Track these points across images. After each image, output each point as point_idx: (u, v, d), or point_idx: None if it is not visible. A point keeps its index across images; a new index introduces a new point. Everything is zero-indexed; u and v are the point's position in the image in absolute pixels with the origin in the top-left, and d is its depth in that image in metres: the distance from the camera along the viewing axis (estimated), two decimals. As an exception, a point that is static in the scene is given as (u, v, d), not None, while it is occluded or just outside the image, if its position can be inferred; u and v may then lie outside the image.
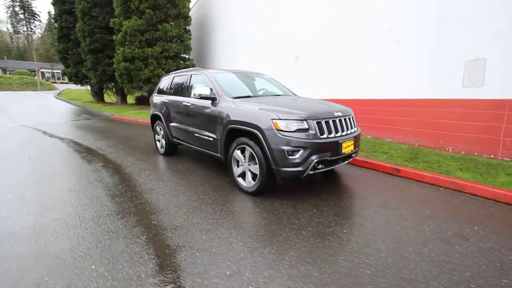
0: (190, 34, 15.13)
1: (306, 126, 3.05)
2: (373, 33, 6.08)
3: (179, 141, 5.04)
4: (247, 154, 3.36)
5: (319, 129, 3.10)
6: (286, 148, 2.99)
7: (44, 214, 2.90)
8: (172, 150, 5.52)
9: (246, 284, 1.86)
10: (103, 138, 7.83)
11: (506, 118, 4.18)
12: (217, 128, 3.81)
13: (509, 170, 3.89)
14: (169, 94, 5.24)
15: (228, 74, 4.49)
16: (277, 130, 3.02)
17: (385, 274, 1.95)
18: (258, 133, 3.13)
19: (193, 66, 15.34)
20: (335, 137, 3.22)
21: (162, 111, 5.26)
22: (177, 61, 14.66)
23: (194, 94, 4.01)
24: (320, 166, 3.18)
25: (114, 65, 14.58)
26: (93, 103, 19.86)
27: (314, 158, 3.07)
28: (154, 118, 5.78)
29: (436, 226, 2.62)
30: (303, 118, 3.06)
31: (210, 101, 3.98)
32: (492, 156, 4.39)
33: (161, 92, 5.64)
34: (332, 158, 3.22)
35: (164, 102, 5.23)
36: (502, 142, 4.24)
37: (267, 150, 3.07)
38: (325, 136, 3.14)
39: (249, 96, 3.99)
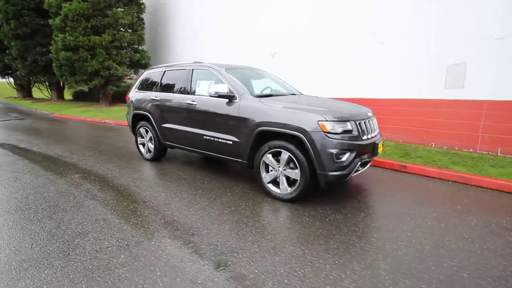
0: (143, 23, 13.69)
1: (350, 128, 2.94)
2: (359, 35, 6.33)
3: (174, 145, 4.43)
4: (283, 158, 3.10)
5: (360, 130, 3.03)
6: (334, 151, 2.83)
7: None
8: (161, 155, 4.85)
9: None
10: (56, 142, 6.52)
11: (484, 116, 4.79)
12: (239, 130, 3.42)
13: (491, 162, 4.46)
14: (160, 91, 4.55)
15: (236, 69, 4.09)
16: (324, 132, 2.84)
17: (480, 273, 1.96)
18: (302, 136, 2.89)
19: (149, 58, 13.98)
20: (372, 137, 3.19)
21: (151, 111, 4.55)
22: (130, 53, 13.14)
23: (210, 92, 3.51)
24: (360, 168, 3.12)
25: (51, 55, 12.32)
26: (19, 99, 16.53)
27: (358, 160, 2.99)
28: (137, 118, 4.97)
29: (477, 220, 2.80)
30: (347, 119, 2.94)
31: (226, 100, 3.56)
32: (471, 150, 4.99)
33: (145, 88, 4.88)
34: (369, 159, 3.20)
35: (154, 100, 4.52)
36: (481, 137, 4.85)
37: (312, 153, 2.86)
38: (365, 137, 3.08)
39: (271, 95, 3.69)
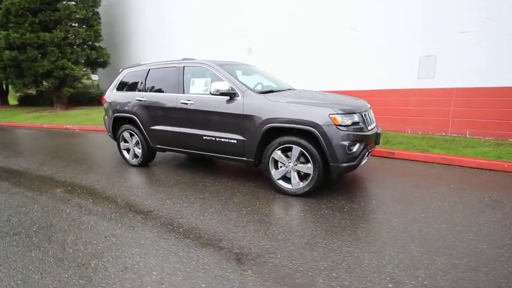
0: (99, 18, 12.58)
1: (357, 120, 3.03)
2: (335, 30, 6.54)
3: (166, 148, 4.17)
4: (294, 153, 3.09)
5: (365, 122, 3.14)
6: (346, 143, 2.90)
7: None
8: (149, 159, 4.54)
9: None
10: (17, 153, 5.77)
11: (453, 103, 5.30)
12: (244, 128, 3.32)
13: (463, 144, 4.97)
14: (146, 91, 4.22)
15: (230, 66, 3.95)
16: (336, 125, 2.89)
17: (495, 243, 2.17)
18: (315, 130, 2.90)
19: (108, 56, 12.93)
20: (373, 128, 3.33)
21: (137, 112, 4.21)
22: (87, 50, 12.02)
23: (211, 91, 3.34)
24: (366, 158, 3.25)
25: (-9, 54, 10.72)
26: None
27: (365, 150, 3.11)
28: (119, 121, 4.57)
29: (472, 196, 3.10)
30: (354, 112, 3.03)
31: (226, 98, 3.43)
32: (443, 134, 5.50)
33: (126, 88, 4.49)
34: (372, 148, 3.35)
35: (140, 100, 4.19)
36: (451, 122, 5.37)
37: (325, 147, 2.89)
38: (370, 128, 3.21)
39: (272, 91, 3.64)
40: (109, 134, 4.84)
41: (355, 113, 3.03)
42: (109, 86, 4.82)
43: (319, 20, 6.81)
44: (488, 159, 4.05)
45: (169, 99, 3.91)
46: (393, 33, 5.80)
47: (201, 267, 2.00)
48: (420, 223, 2.55)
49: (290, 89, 4.15)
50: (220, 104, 3.48)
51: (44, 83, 10.89)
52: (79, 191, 3.58)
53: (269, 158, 3.24)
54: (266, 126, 3.15)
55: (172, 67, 4.02)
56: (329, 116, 2.89)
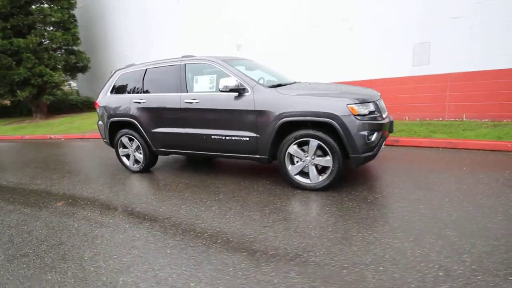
0: (76, 21, 11.97)
1: (373, 108, 2.99)
2: (327, 21, 6.51)
3: (170, 151, 3.98)
4: (311, 147, 3.00)
5: (379, 110, 3.10)
6: (365, 133, 2.85)
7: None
8: (152, 164, 4.32)
9: None
10: (2, 168, 5.36)
11: (449, 88, 5.41)
12: (257, 124, 3.20)
13: (462, 127, 5.08)
14: (144, 92, 4.00)
15: (235, 61, 3.79)
16: (354, 115, 2.83)
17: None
18: (333, 121, 2.83)
19: (88, 60, 12.35)
20: (386, 116, 3.31)
21: (137, 115, 3.98)
22: (65, 55, 11.41)
23: (221, 87, 3.17)
24: (383, 147, 3.22)
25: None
26: None
27: (382, 139, 3.08)
28: (116, 126, 4.31)
29: (487, 177, 3.14)
30: (369, 101, 2.98)
31: (235, 94, 3.29)
32: (441, 119, 5.62)
33: (122, 90, 4.24)
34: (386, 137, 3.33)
35: (138, 103, 3.96)
36: (448, 107, 5.48)
37: (344, 138, 2.83)
38: (384, 116, 3.18)
39: (280, 85, 3.53)
40: (105, 140, 4.57)
41: (370, 102, 2.98)
42: (101, 90, 4.54)
43: (310, 11, 6.76)
44: (491, 140, 4.16)
45: (171, 99, 3.71)
46: (387, 21, 5.84)
47: (240, 273, 1.88)
48: (447, 207, 2.54)
49: (297, 82, 4.06)
50: (228, 101, 3.34)
51: (19, 92, 10.20)
52: (82, 203, 3.34)
53: (285, 153, 3.14)
54: (281, 120, 3.04)
55: (171, 65, 3.82)
56: (347, 107, 2.83)
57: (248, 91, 3.25)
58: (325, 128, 2.96)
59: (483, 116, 5.17)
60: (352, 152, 2.88)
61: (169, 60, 3.91)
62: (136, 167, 4.33)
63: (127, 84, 4.22)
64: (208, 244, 2.25)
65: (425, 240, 2.09)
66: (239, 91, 3.25)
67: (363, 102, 2.91)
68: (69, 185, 4.02)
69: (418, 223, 2.32)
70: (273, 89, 3.22)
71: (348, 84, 4.62)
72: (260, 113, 3.16)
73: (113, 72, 4.48)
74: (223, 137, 3.43)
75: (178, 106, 3.65)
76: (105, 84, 4.50)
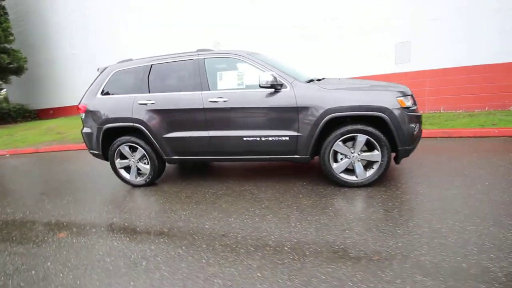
0: (6, 13, 9.98)
1: (413, 101, 3.05)
2: (313, 21, 6.60)
3: (188, 158, 3.49)
4: (359, 142, 2.92)
5: (415, 103, 3.18)
6: (413, 125, 2.89)
7: None
8: (159, 175, 3.75)
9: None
10: None
11: (428, 83, 5.96)
12: (298, 122, 2.98)
13: (443, 118, 5.63)
14: (151, 92, 3.42)
15: (259, 55, 3.49)
16: (403, 108, 2.83)
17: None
18: (384, 115, 2.79)
19: (24, 61, 10.40)
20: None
21: (144, 119, 3.38)
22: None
23: (261, 83, 2.85)
24: (418, 139, 3.31)
25: None
26: None
27: (420, 132, 3.16)
28: (112, 134, 3.61)
29: (499, 161, 3.45)
30: (409, 94, 3.03)
31: (270, 90, 3.03)
32: (421, 112, 6.13)
33: (118, 90, 3.58)
34: None
35: (145, 104, 3.37)
36: (427, 100, 6.03)
37: (395, 131, 2.81)
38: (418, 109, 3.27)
39: (312, 80, 3.36)
40: (94, 151, 3.80)
41: (410, 95, 3.04)
42: (87, 91, 3.77)
43: (295, 8, 6.78)
44: (479, 127, 4.69)
45: (191, 98, 3.25)
46: (371, 21, 6.18)
47: (364, 286, 1.67)
48: (495, 190, 2.70)
49: (322, 79, 3.94)
50: (263, 98, 3.06)
51: None
52: (93, 230, 2.68)
53: (330, 151, 3.00)
54: (328, 116, 2.89)
55: (186, 60, 3.35)
56: (396, 99, 2.83)
57: (286, 87, 3.02)
58: (372, 122, 2.92)
59: (458, 107, 5.84)
60: (401, 145, 2.88)
61: (181, 54, 3.43)
62: (139, 180, 3.70)
63: (126, 83, 3.58)
64: (299, 259, 1.97)
65: (503, 223, 2.17)
66: (276, 87, 3.00)
67: (406, 95, 2.95)
68: (57, 210, 3.22)
69: (482, 208, 2.41)
70: (313, 84, 3.06)
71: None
72: (303, 109, 2.96)
73: (103, 69, 3.76)
74: (258, 138, 3.13)
75: (201, 106, 3.21)
76: (92, 84, 3.76)
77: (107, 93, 3.64)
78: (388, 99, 2.82)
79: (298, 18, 6.75)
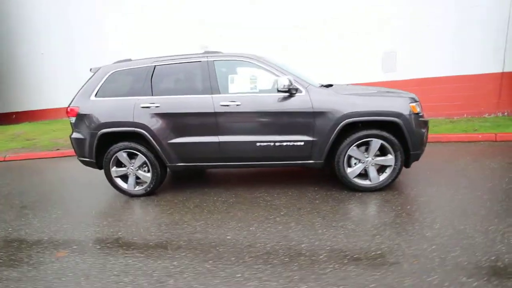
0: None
1: (420, 107, 3.16)
2: (305, 26, 6.73)
3: (193, 165, 3.29)
4: (373, 147, 2.95)
5: (422, 109, 3.30)
6: (424, 130, 2.99)
7: None
8: (160, 184, 3.49)
9: None
10: None
11: (412, 92, 6.29)
12: (314, 127, 2.94)
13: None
14: (154, 94, 3.18)
15: (264, 58, 3.42)
16: (415, 114, 2.92)
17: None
18: (399, 120, 2.84)
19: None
20: None
21: (147, 124, 3.13)
22: None
23: (279, 87, 2.76)
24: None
25: None
26: None
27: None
28: (108, 140, 3.29)
29: (493, 163, 3.68)
30: (418, 100, 3.14)
31: (284, 95, 2.97)
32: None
33: (116, 92, 3.29)
34: None
35: (148, 107, 3.13)
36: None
37: (408, 136, 2.88)
38: (422, 114, 3.40)
39: (322, 86, 3.36)
40: (85, 159, 3.44)
41: (418, 101, 3.15)
42: (78, 93, 3.43)
43: (284, 14, 6.87)
44: (464, 133, 5.02)
45: (200, 102, 3.08)
46: (361, 31, 6.44)
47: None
48: (500, 192, 2.87)
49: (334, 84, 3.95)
50: (277, 103, 2.99)
51: None
52: (98, 247, 2.38)
53: (345, 156, 3.00)
54: (344, 121, 2.89)
55: (193, 62, 3.18)
56: (409, 105, 2.91)
57: (301, 91, 2.98)
58: (383, 127, 2.97)
59: (439, 114, 6.24)
60: (413, 149, 2.96)
61: (188, 56, 3.26)
62: (138, 189, 3.41)
63: (125, 85, 3.31)
64: (340, 267, 1.89)
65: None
66: (292, 91, 2.96)
67: (417, 101, 3.06)
68: (47, 226, 2.84)
69: (495, 208, 2.53)
70: (327, 89, 3.06)
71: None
72: (319, 114, 2.93)
73: (97, 70, 3.44)
74: (272, 143, 3.04)
75: (211, 110, 3.05)
76: (85, 85, 3.42)
77: (103, 95, 3.33)
78: (402, 105, 2.90)
79: (296, 18, 6.86)
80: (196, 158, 3.26)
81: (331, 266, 1.92)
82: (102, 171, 3.44)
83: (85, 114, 3.32)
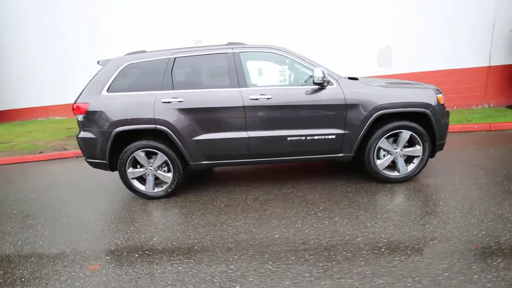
0: None
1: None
2: (306, 26, 6.72)
3: (219, 162, 3.13)
4: (403, 138, 2.98)
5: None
6: (447, 120, 3.08)
7: None
8: (180, 184, 3.28)
9: None
10: None
11: (407, 85, 6.55)
12: (345, 119, 2.91)
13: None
14: (175, 88, 2.96)
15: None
16: (440, 104, 3.00)
17: None
18: (428, 111, 2.90)
19: None
20: None
21: (170, 120, 2.91)
22: None
23: (316, 79, 2.68)
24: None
25: None
26: None
27: (446, 127, 3.40)
28: (124, 139, 3.02)
29: (495, 152, 3.92)
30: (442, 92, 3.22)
31: (314, 87, 2.91)
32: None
33: (131, 86, 3.02)
34: None
35: (169, 102, 2.91)
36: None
37: (436, 126, 2.95)
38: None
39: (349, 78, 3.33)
40: (96, 160, 3.14)
41: (442, 93, 3.24)
42: (86, 87, 3.10)
43: (283, 11, 6.79)
44: (459, 124, 5.30)
45: (228, 96, 2.92)
46: (356, 27, 6.54)
47: (489, 276, 1.66)
48: (517, 177, 3.05)
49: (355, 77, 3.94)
50: (309, 95, 2.92)
51: None
52: (136, 256, 2.17)
53: (375, 148, 3.01)
54: (377, 113, 2.89)
55: (218, 53, 3.00)
56: (436, 96, 2.98)
57: (332, 84, 2.94)
58: (410, 118, 3.01)
59: (431, 107, 6.55)
60: (439, 139, 3.04)
61: (211, 47, 3.07)
62: (158, 191, 3.18)
63: (141, 78, 3.05)
64: (406, 259, 1.88)
65: (553, 204, 2.44)
66: (323, 83, 2.90)
67: (441, 92, 3.14)
68: (63, 236, 2.55)
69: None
70: (356, 81, 3.05)
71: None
72: (351, 106, 2.91)
73: (106, 62, 3.13)
74: (303, 138, 2.97)
75: (240, 104, 2.90)
76: (94, 79, 3.11)
77: (116, 90, 3.04)
78: (430, 96, 2.97)
79: (286, 19, 6.79)
80: (222, 156, 3.10)
81: (397, 258, 1.91)
82: (106, 172, 3.21)
83: (96, 111, 3.01)
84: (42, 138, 6.95)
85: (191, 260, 2.06)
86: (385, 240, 2.12)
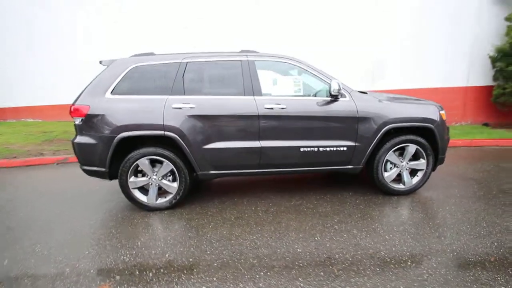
0: None
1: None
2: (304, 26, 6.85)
3: (226, 172, 3.01)
4: (409, 152, 3.08)
5: (442, 117, 3.57)
6: (448, 136, 3.24)
7: None
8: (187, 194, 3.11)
9: None
10: None
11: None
12: (357, 131, 2.95)
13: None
14: (185, 94, 2.83)
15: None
16: (443, 120, 3.15)
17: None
18: (432, 126, 3.03)
19: None
20: None
21: (180, 127, 2.76)
22: None
23: (333, 91, 2.68)
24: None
25: None
26: None
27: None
28: (127, 145, 2.81)
29: (485, 167, 4.17)
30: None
31: (328, 99, 2.93)
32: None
33: (139, 91, 2.84)
34: None
35: (180, 108, 2.77)
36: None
37: (439, 141, 3.09)
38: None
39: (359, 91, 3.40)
40: (93, 168, 2.89)
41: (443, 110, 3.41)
42: (86, 88, 2.87)
43: (283, 12, 6.91)
44: (455, 138, 5.62)
45: (242, 104, 2.85)
46: (351, 42, 6.81)
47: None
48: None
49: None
50: (322, 107, 2.93)
51: None
52: (150, 275, 1.98)
53: (384, 161, 3.08)
54: (387, 127, 2.97)
55: (233, 60, 2.94)
56: (439, 113, 3.13)
57: (345, 96, 2.98)
58: (415, 133, 3.13)
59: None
60: (441, 153, 3.19)
61: (224, 53, 3.00)
62: (162, 202, 2.98)
63: (149, 82, 2.88)
64: (434, 272, 1.90)
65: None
66: (337, 96, 2.93)
67: (443, 109, 3.30)
68: (60, 253, 2.28)
69: (520, 206, 2.86)
70: (367, 95, 3.13)
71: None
72: (363, 119, 2.96)
73: (110, 63, 2.94)
74: (316, 149, 2.96)
75: (254, 113, 2.84)
76: (95, 80, 2.89)
77: (121, 93, 2.85)
78: (435, 112, 3.11)
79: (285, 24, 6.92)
80: (233, 165, 2.99)
81: (425, 271, 1.92)
82: (96, 180, 3.04)
83: (98, 115, 2.78)
84: (15, 142, 6.34)
85: (214, 279, 1.92)
86: (408, 253, 2.14)
